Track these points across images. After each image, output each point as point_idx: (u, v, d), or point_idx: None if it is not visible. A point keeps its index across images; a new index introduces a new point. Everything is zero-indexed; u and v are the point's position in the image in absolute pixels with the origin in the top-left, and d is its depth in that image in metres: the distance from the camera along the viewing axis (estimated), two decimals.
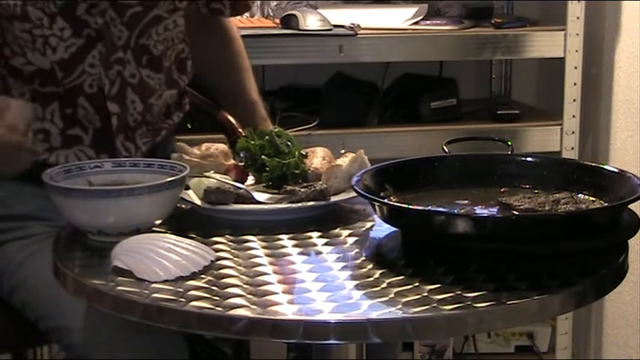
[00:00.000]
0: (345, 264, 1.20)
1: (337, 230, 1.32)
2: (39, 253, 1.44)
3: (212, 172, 1.42)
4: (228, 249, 1.26)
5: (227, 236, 1.30)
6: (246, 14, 2.48)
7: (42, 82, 1.57)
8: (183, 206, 1.39)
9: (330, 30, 2.22)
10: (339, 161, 1.43)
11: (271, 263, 1.20)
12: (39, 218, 1.52)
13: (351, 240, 1.29)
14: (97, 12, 1.55)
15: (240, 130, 1.76)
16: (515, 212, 1.23)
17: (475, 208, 1.27)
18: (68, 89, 1.57)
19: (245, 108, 1.80)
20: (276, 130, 1.47)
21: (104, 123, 1.60)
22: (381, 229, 1.30)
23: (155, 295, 1.11)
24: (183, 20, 1.69)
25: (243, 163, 1.46)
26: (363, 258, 1.22)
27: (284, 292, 1.11)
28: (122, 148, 1.61)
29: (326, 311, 1.05)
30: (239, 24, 2.34)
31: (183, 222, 1.35)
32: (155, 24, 1.62)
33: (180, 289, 1.12)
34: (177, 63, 1.71)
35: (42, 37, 1.54)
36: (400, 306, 1.06)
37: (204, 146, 1.47)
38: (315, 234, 1.31)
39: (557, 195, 1.26)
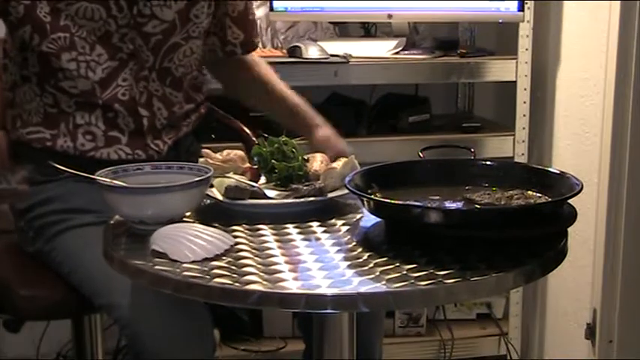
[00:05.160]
0: (339, 248, 1.19)
1: (333, 220, 1.31)
2: (91, 241, 1.42)
3: (231, 173, 1.41)
4: (244, 236, 1.24)
5: (243, 225, 1.29)
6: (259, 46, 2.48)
7: (85, 97, 1.58)
8: (208, 201, 1.38)
9: (327, 58, 2.21)
10: (335, 165, 1.42)
11: (279, 247, 1.19)
12: (90, 211, 1.51)
13: (345, 228, 1.28)
14: (127, 39, 1.57)
15: (254, 138, 1.76)
16: (477, 206, 1.22)
17: (445, 202, 1.26)
18: (106, 99, 1.58)
19: (295, 114, 1.74)
20: (283, 139, 1.46)
21: (137, 126, 1.61)
22: (368, 219, 1.29)
23: (185, 273, 1.10)
24: (199, 49, 1.68)
25: (256, 166, 1.45)
26: (354, 243, 1.21)
27: (290, 271, 1.10)
28: (152, 144, 1.63)
29: (324, 286, 1.04)
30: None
31: (208, 214, 1.34)
32: (174, 50, 1.62)
33: (206, 268, 1.11)
34: (192, 86, 1.72)
35: (85, 62, 1.54)
36: (384, 282, 1.05)
37: (225, 152, 1.46)
38: (315, 223, 1.29)
39: (511, 192, 1.25)
